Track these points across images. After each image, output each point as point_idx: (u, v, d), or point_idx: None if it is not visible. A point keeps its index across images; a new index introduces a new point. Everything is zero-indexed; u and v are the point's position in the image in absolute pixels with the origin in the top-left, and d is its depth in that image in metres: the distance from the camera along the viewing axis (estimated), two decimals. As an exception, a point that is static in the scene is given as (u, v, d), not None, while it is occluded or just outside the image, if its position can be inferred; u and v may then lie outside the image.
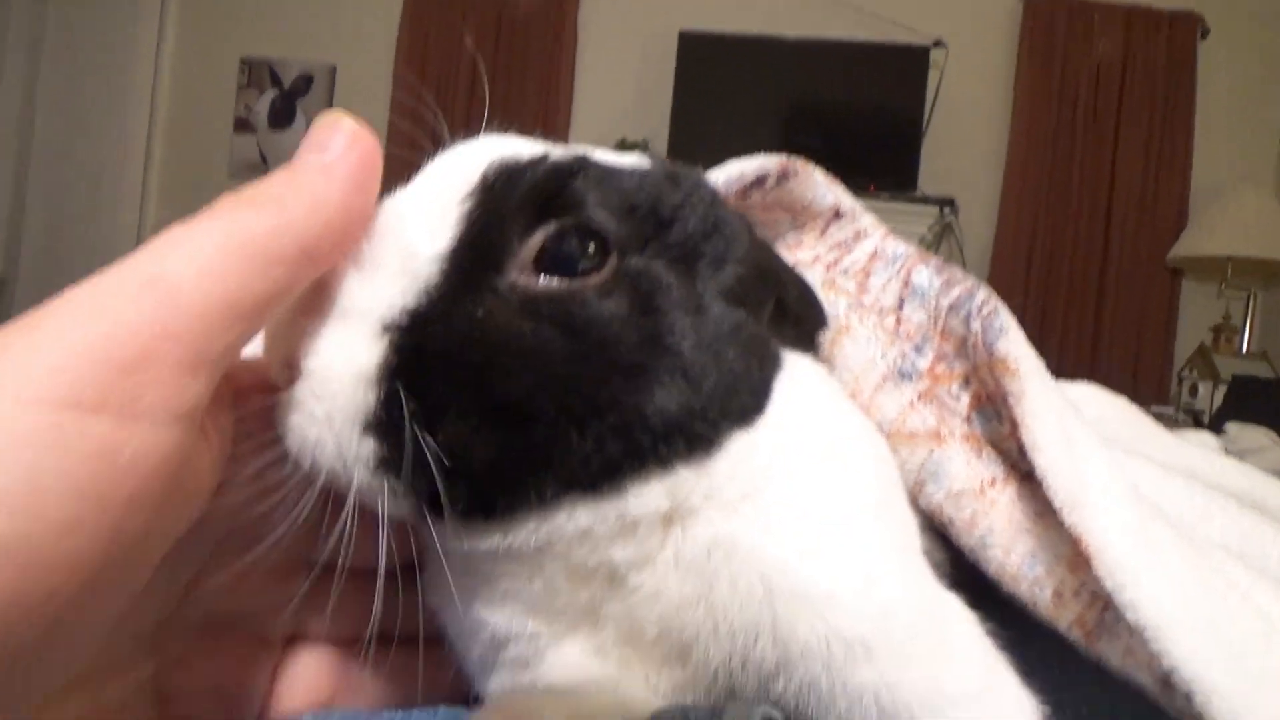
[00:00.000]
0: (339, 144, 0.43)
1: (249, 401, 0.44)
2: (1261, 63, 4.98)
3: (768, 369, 0.49)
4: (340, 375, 0.42)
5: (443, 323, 0.42)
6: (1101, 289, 4.95)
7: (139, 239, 5.38)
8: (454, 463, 0.41)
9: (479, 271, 0.43)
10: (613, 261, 0.45)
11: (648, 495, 0.44)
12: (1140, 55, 4.96)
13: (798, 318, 0.57)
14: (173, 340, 0.34)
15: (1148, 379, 4.93)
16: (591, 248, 0.44)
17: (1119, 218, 4.94)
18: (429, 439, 0.41)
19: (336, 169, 0.42)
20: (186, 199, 5.07)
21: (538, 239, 0.44)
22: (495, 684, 0.48)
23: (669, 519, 0.46)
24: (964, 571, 0.56)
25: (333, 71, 5.38)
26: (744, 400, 0.47)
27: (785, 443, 0.48)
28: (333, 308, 0.43)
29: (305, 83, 5.39)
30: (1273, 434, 1.85)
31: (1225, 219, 4.51)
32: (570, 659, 0.47)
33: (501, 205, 0.44)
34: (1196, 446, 0.82)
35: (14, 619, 0.30)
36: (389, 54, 5.23)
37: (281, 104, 5.42)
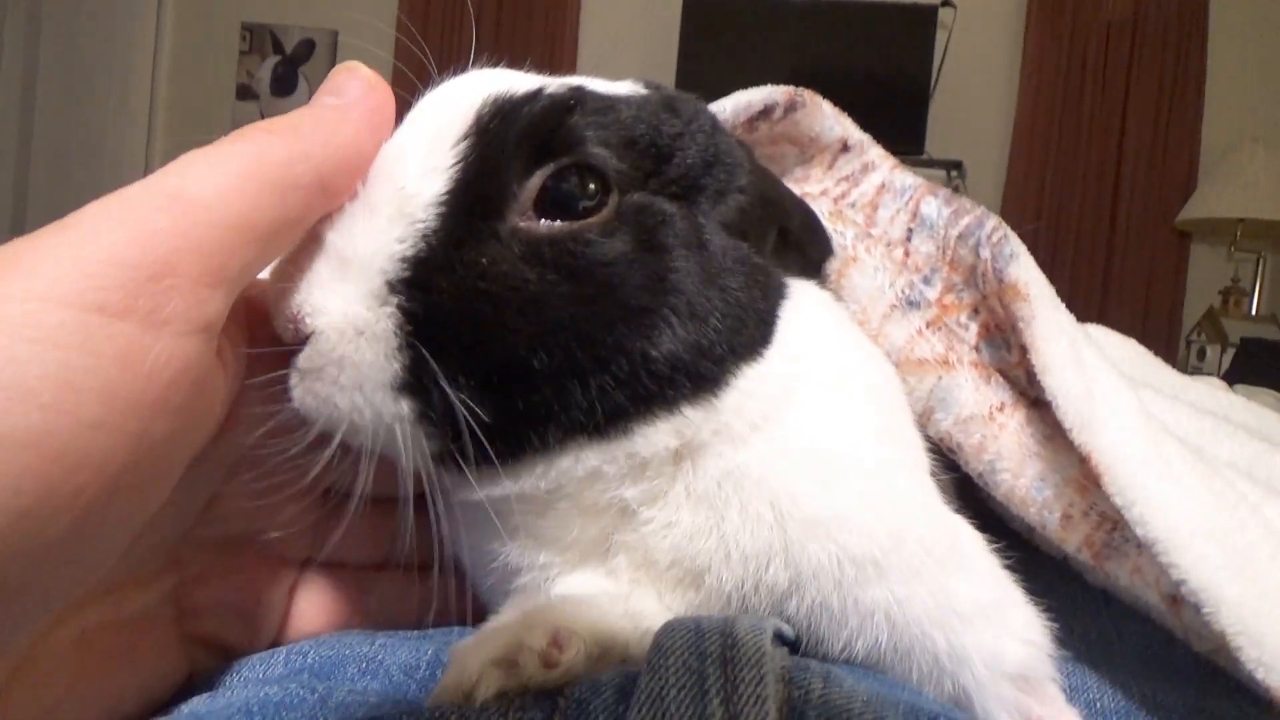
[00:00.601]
0: (355, 90, 0.44)
1: (259, 337, 0.44)
2: (1274, 21, 4.91)
3: (772, 300, 0.49)
4: (354, 339, 0.42)
5: (447, 276, 0.42)
6: (1110, 252, 4.92)
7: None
8: (470, 415, 0.41)
9: (479, 217, 0.43)
10: (614, 199, 0.44)
11: (656, 436, 0.44)
12: (1151, 13, 4.89)
13: (803, 246, 0.57)
14: (195, 253, 0.35)
15: (1155, 343, 4.81)
16: (592, 186, 0.44)
17: (1128, 180, 4.90)
18: (459, 395, 0.41)
19: (352, 111, 0.43)
20: None
21: (536, 181, 0.43)
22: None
23: (678, 455, 0.46)
24: (970, 502, 0.56)
25: (335, 36, 5.34)
26: (750, 334, 0.46)
27: (792, 373, 0.48)
28: (333, 254, 0.43)
29: (307, 48, 5.35)
30: (1280, 396, 1.84)
31: (1235, 180, 4.46)
32: (582, 581, 0.48)
33: (498, 146, 0.44)
34: (1204, 385, 0.82)
35: (45, 513, 0.31)
36: (391, 18, 5.18)
37: (284, 70, 5.38)
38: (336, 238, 0.43)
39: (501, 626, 0.41)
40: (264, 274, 0.45)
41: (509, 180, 0.43)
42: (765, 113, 0.65)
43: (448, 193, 0.43)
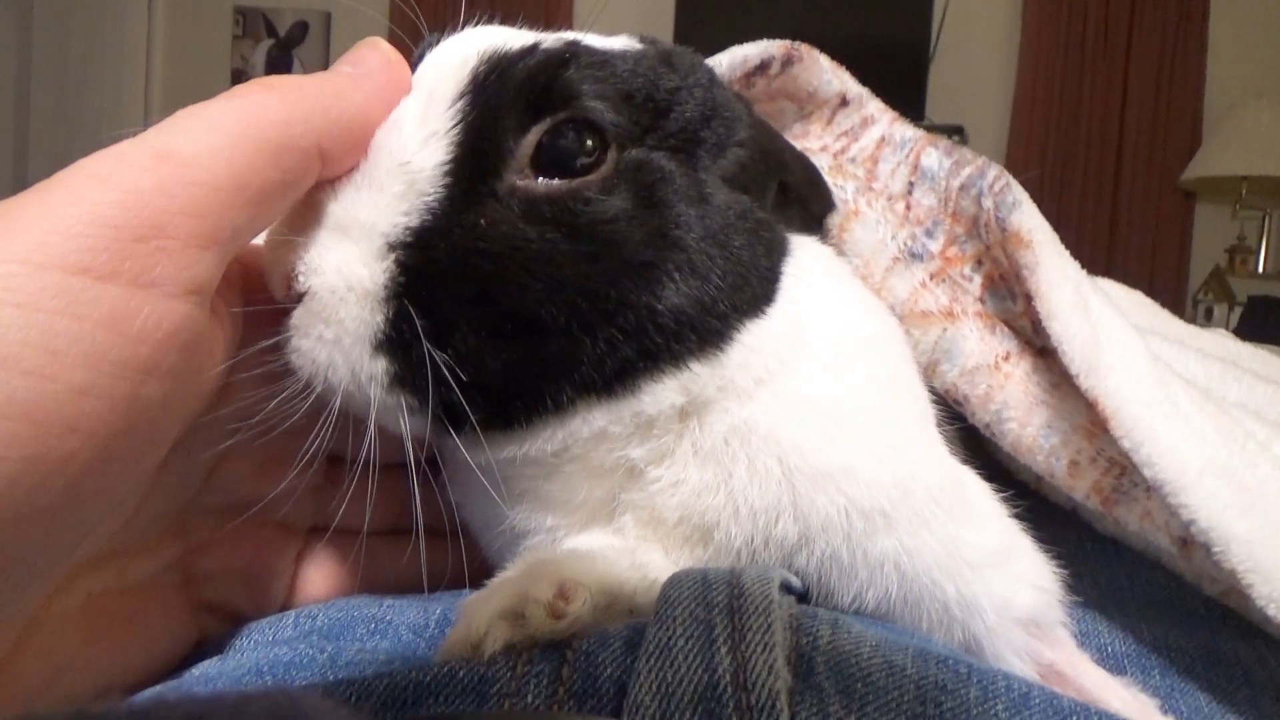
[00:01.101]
0: (374, 62, 0.44)
1: (256, 298, 0.44)
2: (1277, -25, 4.86)
3: (775, 255, 0.49)
4: (344, 296, 0.42)
5: (446, 236, 0.42)
6: (1114, 213, 4.88)
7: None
8: (469, 376, 0.41)
9: (477, 178, 0.42)
10: (612, 155, 0.44)
11: (662, 393, 0.44)
12: (1152, -30, 4.84)
13: (804, 200, 0.56)
14: (183, 214, 0.35)
15: (1162, 303, 4.87)
16: (589, 142, 0.43)
17: (1131, 139, 4.85)
18: (441, 354, 0.41)
19: (365, 81, 0.43)
20: None
21: (533, 137, 0.43)
22: None
23: (684, 413, 0.46)
24: (977, 455, 0.56)
25: (328, 18, 5.30)
26: (754, 289, 0.46)
27: (796, 328, 0.47)
28: (331, 220, 0.43)
29: (301, 30, 5.31)
30: (1291, 353, 1.82)
31: (1239, 137, 4.41)
32: (589, 539, 0.48)
33: (494, 104, 0.43)
34: (1212, 334, 0.82)
35: (33, 481, 0.30)
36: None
37: (278, 54, 5.35)
38: (337, 208, 0.43)
39: (508, 579, 0.41)
40: (260, 239, 0.44)
41: (505, 137, 0.43)
42: (762, 68, 0.64)
43: (450, 160, 0.42)
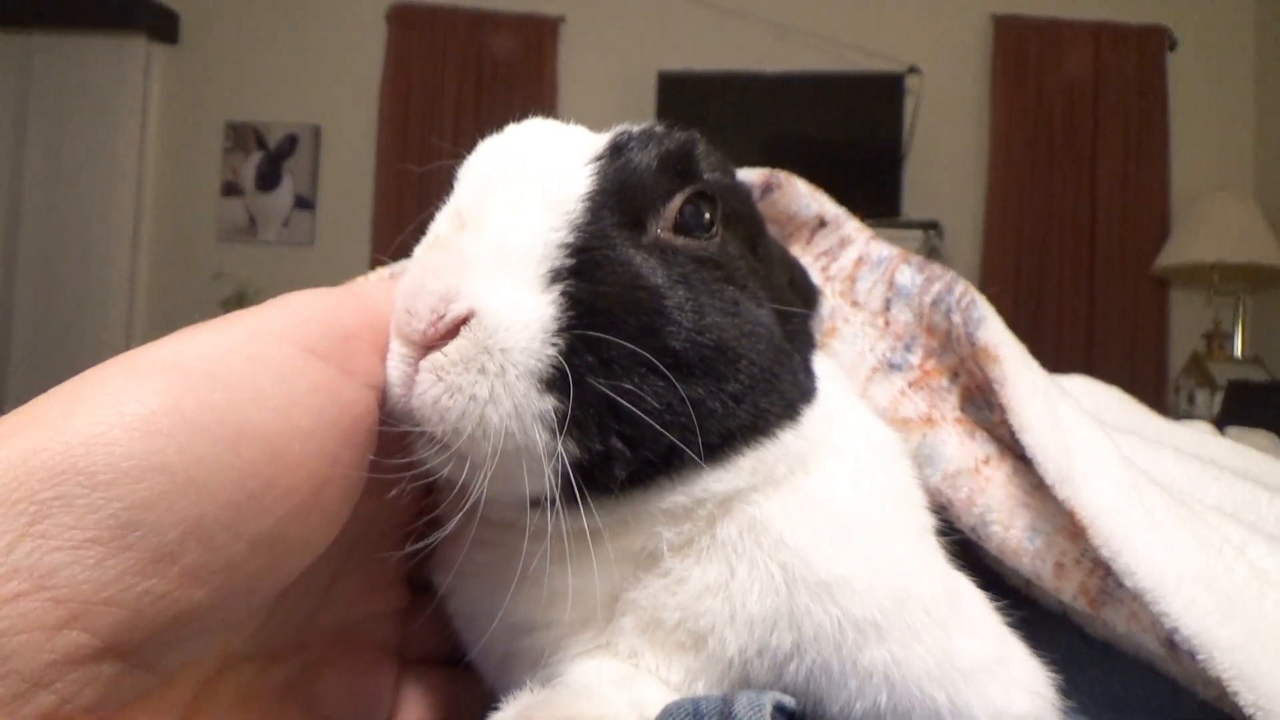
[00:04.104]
0: None
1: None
2: (1231, 71, 5.06)
3: (810, 350, 0.53)
4: (509, 325, 0.41)
5: (610, 271, 0.43)
6: (1091, 303, 4.97)
7: (130, 303, 5.43)
8: (621, 422, 0.41)
9: (624, 222, 0.46)
10: (719, 229, 0.49)
11: (740, 469, 0.46)
12: (1111, 70, 5.04)
13: (804, 296, 0.60)
14: (370, 328, 0.43)
15: (1144, 390, 4.91)
16: (707, 216, 0.48)
17: (1103, 230, 4.98)
18: (617, 388, 0.41)
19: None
20: (176, 264, 4.95)
21: (678, 201, 0.47)
22: (514, 681, 0.49)
23: (726, 503, 0.46)
24: (969, 558, 0.57)
25: (317, 131, 5.44)
26: (808, 379, 0.51)
27: (827, 426, 0.50)
28: (485, 246, 0.43)
29: (290, 143, 5.44)
30: (1274, 436, 1.84)
31: (1208, 226, 4.54)
32: (581, 652, 0.48)
33: (639, 166, 0.47)
34: (1191, 430, 0.84)
35: (263, 504, 0.36)
36: (372, 110, 5.30)
37: (267, 166, 5.47)
38: (488, 235, 0.43)
39: None
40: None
41: (655, 195, 0.47)
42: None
43: (593, 193, 0.45)
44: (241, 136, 5.52)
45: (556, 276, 0.42)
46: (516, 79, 5.31)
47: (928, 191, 5.06)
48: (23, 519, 0.31)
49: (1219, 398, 4.42)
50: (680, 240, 0.46)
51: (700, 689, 0.47)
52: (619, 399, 0.40)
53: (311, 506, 0.38)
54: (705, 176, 0.49)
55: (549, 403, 0.40)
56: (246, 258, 5.32)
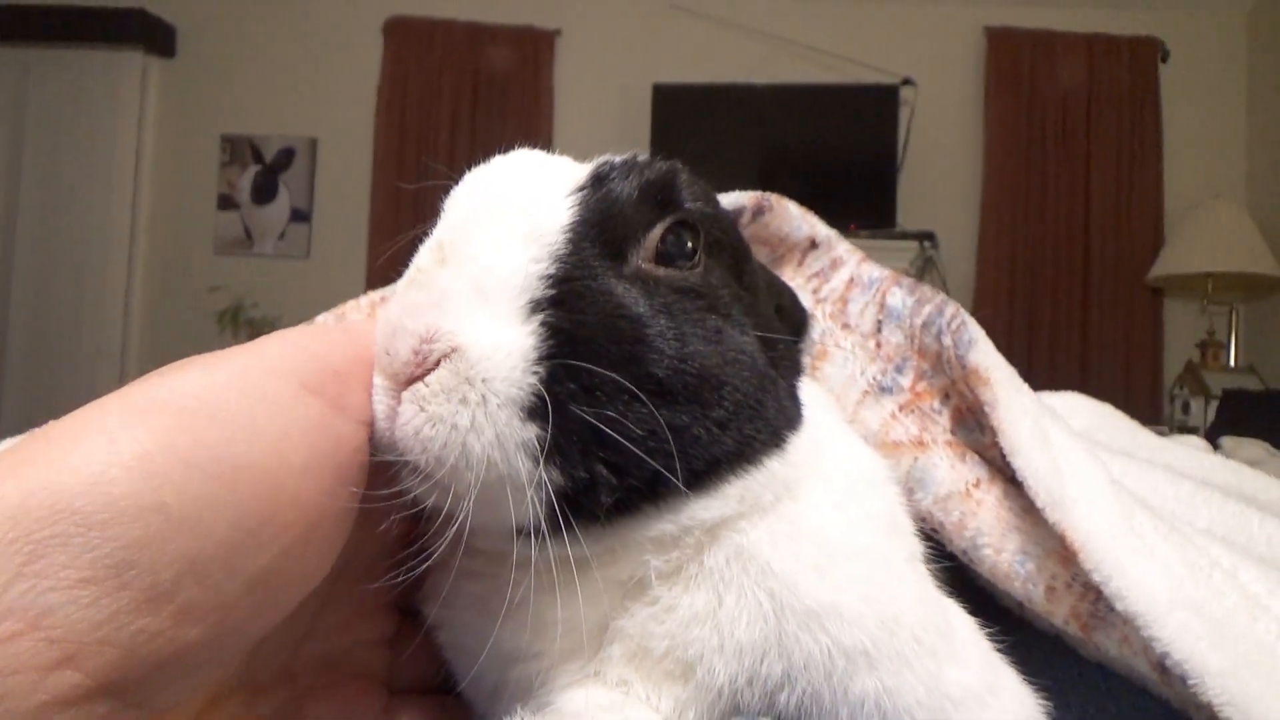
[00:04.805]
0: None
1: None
2: (1223, 81, 5.10)
3: (797, 377, 0.53)
4: (491, 355, 0.41)
5: (591, 301, 0.43)
6: (1086, 312, 4.99)
7: (126, 316, 5.42)
8: (612, 446, 0.41)
9: (604, 254, 0.45)
10: (701, 259, 0.48)
11: (727, 497, 0.45)
12: (1104, 80, 5.07)
13: (793, 321, 0.60)
14: (362, 364, 0.44)
15: (1139, 399, 4.95)
16: (690, 245, 0.48)
17: (1097, 241, 5.00)
18: (600, 416, 0.41)
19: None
20: (172, 276, 4.95)
21: (658, 231, 0.47)
22: (505, 710, 0.49)
23: (713, 531, 0.46)
24: (959, 577, 0.57)
25: (313, 144, 5.45)
26: (796, 407, 0.50)
27: (815, 452, 0.50)
28: (464, 281, 0.43)
29: (286, 157, 5.44)
30: (1268, 446, 1.85)
31: (1201, 236, 4.56)
32: (571, 681, 0.48)
33: (620, 196, 0.47)
34: (1183, 447, 0.84)
35: (260, 540, 0.36)
36: (368, 123, 5.31)
37: (263, 180, 5.47)
38: (468, 269, 0.43)
39: None
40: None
41: (636, 226, 0.46)
42: (734, 217, 0.68)
43: (574, 224, 0.45)
44: (238, 149, 5.52)
45: (537, 307, 0.42)
46: (512, 92, 5.31)
47: (922, 203, 5.07)
48: (18, 559, 0.31)
49: (1214, 406, 4.42)
50: (662, 271, 0.46)
51: (691, 719, 0.47)
52: (601, 425, 0.40)
53: (306, 542, 0.38)
54: (687, 206, 0.48)
55: (531, 431, 0.40)
56: (242, 270, 5.31)
